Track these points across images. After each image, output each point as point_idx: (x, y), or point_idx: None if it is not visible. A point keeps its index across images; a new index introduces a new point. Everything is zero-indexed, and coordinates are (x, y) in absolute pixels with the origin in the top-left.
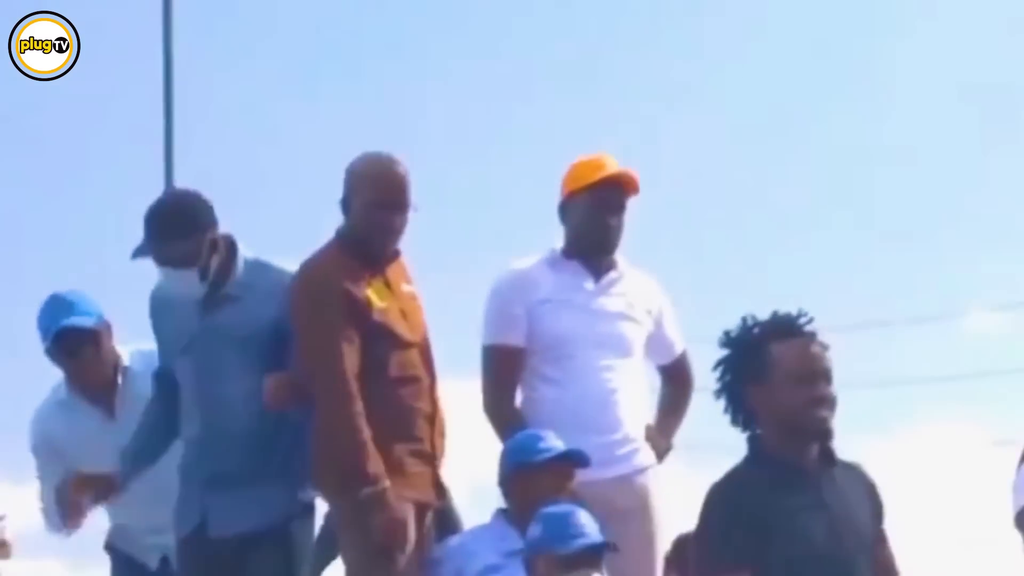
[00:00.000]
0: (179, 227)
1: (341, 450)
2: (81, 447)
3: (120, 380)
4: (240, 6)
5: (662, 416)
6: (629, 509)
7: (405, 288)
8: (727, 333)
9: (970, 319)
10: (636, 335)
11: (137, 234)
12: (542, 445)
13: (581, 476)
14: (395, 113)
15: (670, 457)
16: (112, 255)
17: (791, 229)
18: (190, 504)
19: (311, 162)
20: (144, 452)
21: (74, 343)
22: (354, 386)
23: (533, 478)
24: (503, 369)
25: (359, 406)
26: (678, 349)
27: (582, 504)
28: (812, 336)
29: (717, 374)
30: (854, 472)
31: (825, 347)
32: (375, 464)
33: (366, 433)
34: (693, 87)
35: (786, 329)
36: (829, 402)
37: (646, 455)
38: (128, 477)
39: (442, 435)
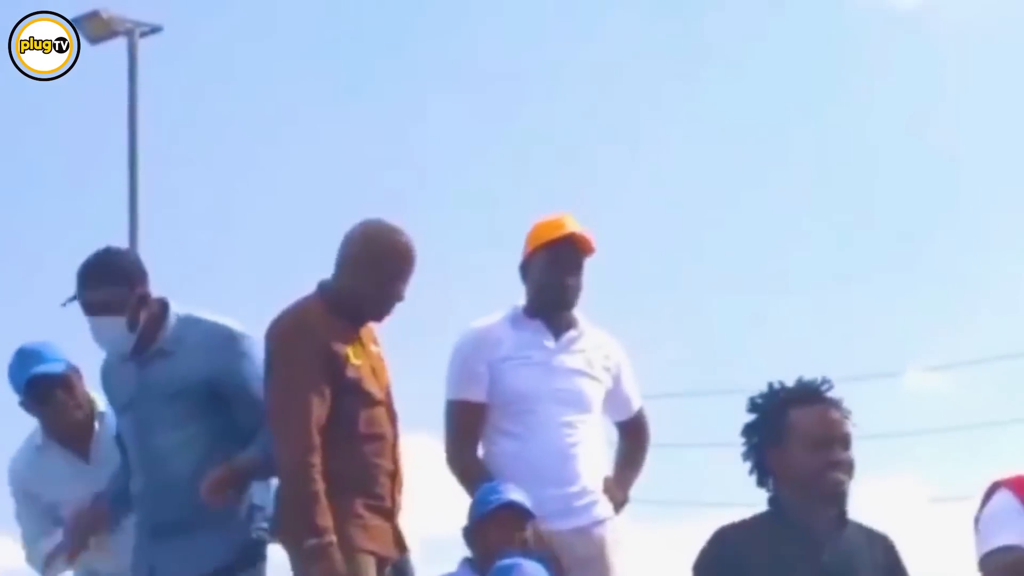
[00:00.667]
0: (105, 275)
1: (293, 498)
2: (56, 492)
3: (97, 426)
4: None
5: (619, 470)
6: (588, 558)
7: (374, 348)
8: (752, 398)
9: (908, 378)
10: (594, 392)
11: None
12: (493, 497)
13: (542, 527)
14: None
15: (626, 510)
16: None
17: (735, 292)
18: (140, 556)
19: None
20: (123, 496)
21: (44, 390)
22: (316, 439)
23: (484, 528)
24: (465, 423)
25: (317, 458)
26: (635, 405)
27: (539, 557)
28: (832, 402)
29: (743, 437)
30: (876, 540)
31: (846, 413)
32: (323, 517)
33: (319, 485)
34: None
35: (807, 395)
36: (845, 466)
37: (604, 507)
38: (114, 516)
39: (401, 491)
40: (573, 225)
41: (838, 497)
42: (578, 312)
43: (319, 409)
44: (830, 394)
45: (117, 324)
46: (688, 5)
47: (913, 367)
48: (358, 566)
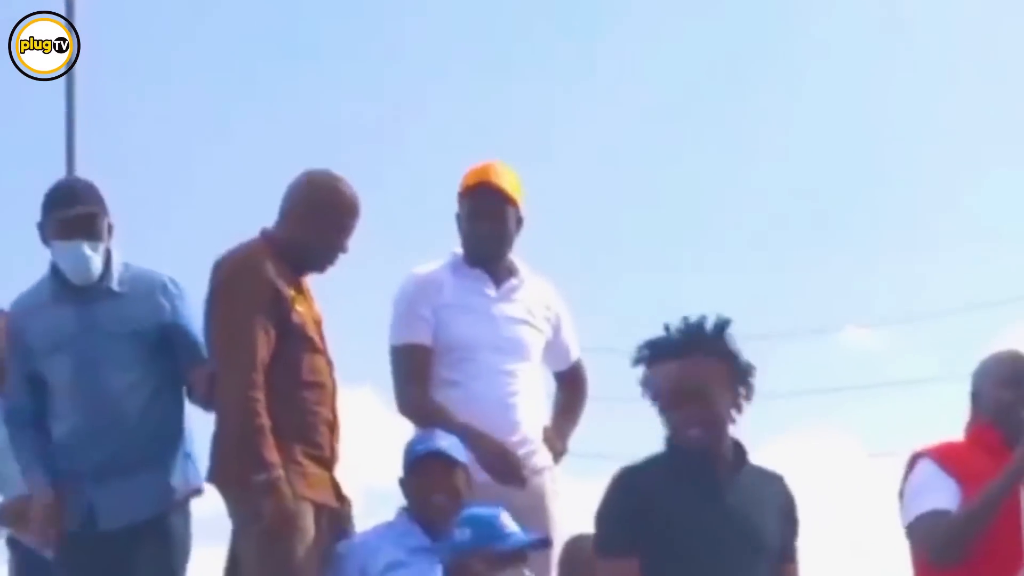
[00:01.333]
0: (92, 194)
1: (238, 434)
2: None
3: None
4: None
5: (558, 419)
6: (526, 508)
7: (313, 303)
8: (634, 352)
9: (844, 335)
10: (534, 340)
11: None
12: (419, 446)
13: (480, 475)
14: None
15: (564, 463)
16: None
17: (678, 245)
18: (75, 499)
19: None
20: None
21: None
22: (260, 376)
23: (414, 476)
24: (415, 366)
25: (261, 394)
26: (573, 356)
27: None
28: (686, 355)
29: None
30: (773, 481)
31: (699, 364)
32: (271, 452)
33: (265, 420)
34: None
35: (659, 352)
36: (698, 420)
37: (543, 457)
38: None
39: (339, 442)
40: (494, 173)
41: (701, 453)
42: (520, 261)
43: (263, 347)
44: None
45: (99, 249)
46: None
47: (849, 324)
48: (297, 508)
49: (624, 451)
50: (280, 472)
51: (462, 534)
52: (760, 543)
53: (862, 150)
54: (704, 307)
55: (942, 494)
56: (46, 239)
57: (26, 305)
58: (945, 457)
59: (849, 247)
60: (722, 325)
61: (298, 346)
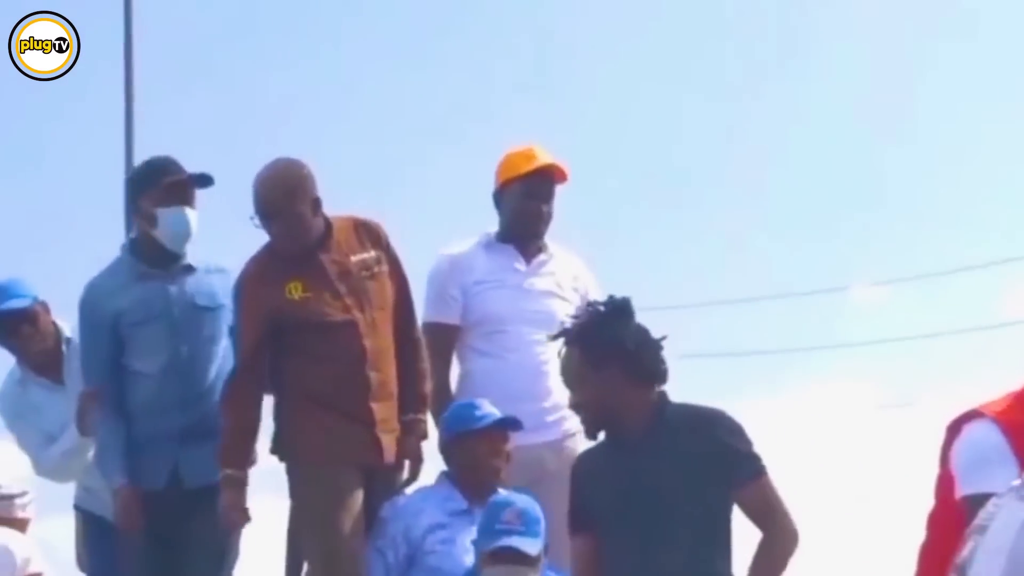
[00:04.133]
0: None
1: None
2: (43, 420)
3: (65, 350)
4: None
5: None
6: (558, 471)
7: (356, 258)
8: None
9: (854, 292)
10: (564, 312)
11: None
12: (479, 413)
13: (515, 440)
14: None
15: None
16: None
17: (694, 208)
18: (158, 457)
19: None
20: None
21: (12, 324)
22: (247, 376)
23: (472, 443)
24: (439, 344)
25: (244, 394)
26: None
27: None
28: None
29: None
30: (701, 425)
31: (564, 357)
32: (233, 453)
33: (237, 419)
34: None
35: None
36: (573, 408)
37: (573, 422)
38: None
39: (385, 399)
40: (544, 156)
41: (587, 433)
42: (548, 237)
43: (253, 350)
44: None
45: (194, 216)
46: None
47: (859, 282)
48: (335, 476)
49: None
50: (239, 473)
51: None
52: (674, 499)
53: (871, 113)
54: (721, 270)
55: (1002, 475)
56: (143, 211)
57: (107, 287)
58: (1013, 428)
59: (859, 208)
60: (587, 312)
61: (306, 330)
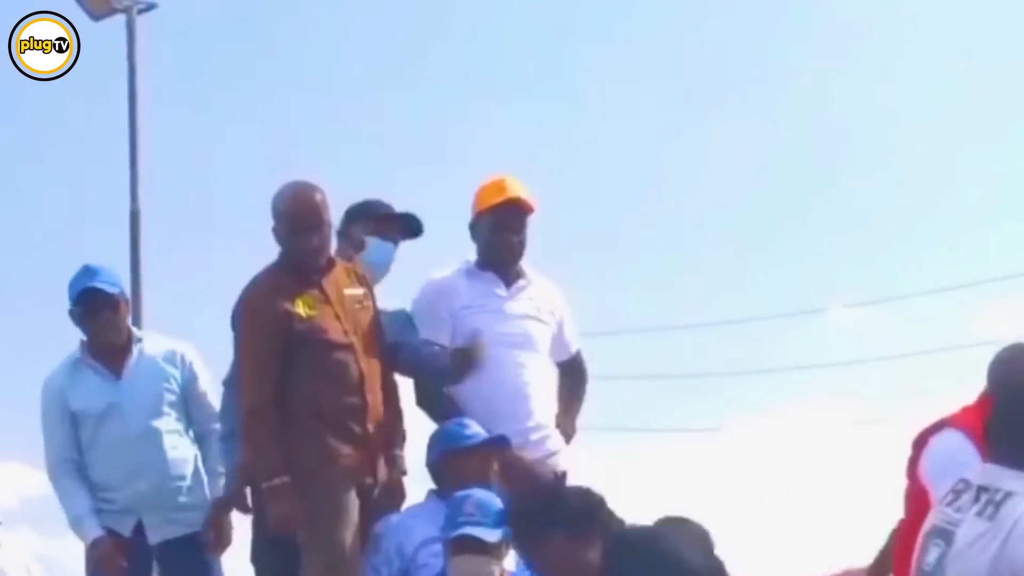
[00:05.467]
0: None
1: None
2: (84, 400)
3: (134, 350)
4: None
5: (565, 405)
6: None
7: (349, 292)
8: None
9: (830, 314)
10: (542, 334)
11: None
12: (468, 432)
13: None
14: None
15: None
16: None
17: (678, 234)
18: None
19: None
20: None
21: (94, 304)
22: (264, 394)
23: (461, 461)
24: None
25: (265, 411)
26: (574, 348)
27: (492, 489)
28: None
29: None
30: None
31: None
32: (271, 462)
33: (266, 433)
34: None
35: None
36: None
37: (556, 440)
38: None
39: (378, 421)
40: (515, 188)
41: None
42: (526, 264)
43: (266, 367)
44: None
45: None
46: None
47: (835, 304)
48: (335, 492)
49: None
50: (284, 480)
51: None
52: None
53: (847, 135)
54: (702, 293)
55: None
56: (352, 236)
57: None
58: (976, 433)
59: (835, 231)
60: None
61: (310, 348)
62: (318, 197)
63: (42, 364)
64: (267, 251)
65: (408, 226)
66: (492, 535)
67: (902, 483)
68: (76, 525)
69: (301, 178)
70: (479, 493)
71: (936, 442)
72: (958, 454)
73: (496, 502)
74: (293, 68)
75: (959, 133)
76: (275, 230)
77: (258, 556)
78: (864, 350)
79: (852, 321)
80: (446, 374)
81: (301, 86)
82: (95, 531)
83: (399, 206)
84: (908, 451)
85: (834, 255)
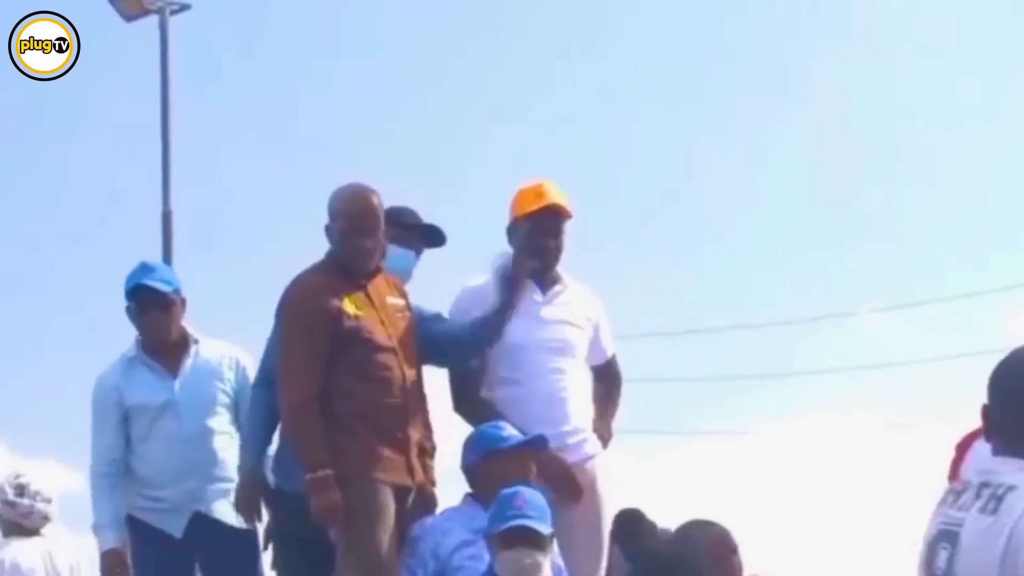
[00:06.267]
0: None
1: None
2: (138, 395)
3: (192, 350)
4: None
5: (600, 410)
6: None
7: (391, 300)
8: None
9: (860, 317)
10: (579, 339)
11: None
12: (505, 434)
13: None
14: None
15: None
16: None
17: (707, 237)
18: None
19: None
20: None
21: (147, 302)
22: (309, 387)
23: (500, 463)
24: None
25: (309, 404)
26: (609, 352)
27: (543, 486)
28: None
29: None
30: None
31: None
32: (315, 454)
33: (310, 426)
34: None
35: None
36: None
37: (593, 444)
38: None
39: (415, 426)
40: (552, 193)
41: None
42: (562, 269)
43: (313, 363)
44: None
45: None
46: None
47: (865, 307)
48: (373, 493)
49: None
50: (327, 473)
51: (490, 510)
52: None
53: (876, 140)
54: (734, 296)
55: None
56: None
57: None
58: None
59: (863, 236)
60: None
61: (356, 348)
62: (376, 200)
63: (75, 364)
64: (297, 251)
65: (431, 236)
66: (546, 528)
67: (934, 486)
68: (96, 530)
69: (358, 180)
70: (527, 490)
71: (980, 446)
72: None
73: (543, 501)
74: (327, 69)
75: (988, 138)
76: (328, 229)
77: (281, 562)
78: (894, 354)
79: (882, 325)
80: (488, 325)
81: (335, 88)
82: (109, 542)
83: (423, 210)
84: (951, 453)
85: (864, 259)
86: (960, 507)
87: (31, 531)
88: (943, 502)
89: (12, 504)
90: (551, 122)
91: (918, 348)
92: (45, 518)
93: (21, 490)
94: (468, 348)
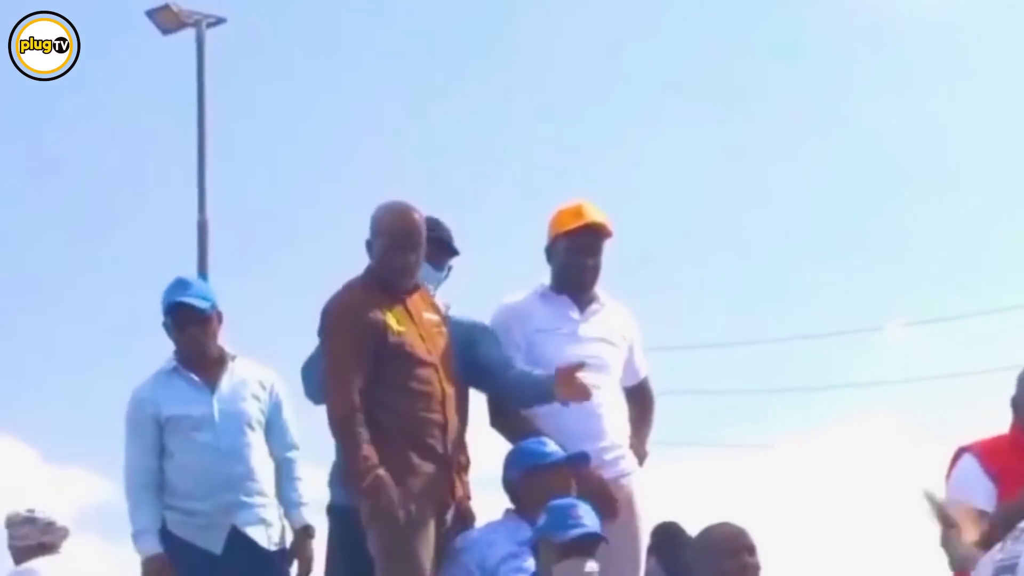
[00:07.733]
0: None
1: (342, 451)
2: (176, 406)
3: (230, 364)
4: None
5: (635, 429)
6: (619, 506)
7: (428, 316)
8: None
9: (888, 333)
10: (615, 357)
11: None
12: (547, 449)
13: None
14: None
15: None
16: None
17: (735, 251)
18: None
19: None
20: None
21: (184, 319)
22: (353, 398)
23: (543, 478)
24: None
25: (355, 415)
26: (643, 373)
27: (584, 500)
28: None
29: None
30: None
31: None
32: (362, 462)
33: (357, 436)
34: None
35: None
36: None
37: (630, 461)
38: None
39: (455, 443)
40: (592, 212)
41: None
42: (599, 288)
43: (358, 375)
44: None
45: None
46: None
47: (893, 322)
48: (416, 506)
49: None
50: (378, 472)
51: (540, 520)
52: None
53: (906, 156)
54: (760, 311)
55: (979, 495)
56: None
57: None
58: (986, 454)
59: (891, 251)
60: None
61: (399, 362)
62: (418, 218)
63: (108, 374)
64: (330, 262)
65: (449, 250)
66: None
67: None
68: (136, 538)
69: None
70: (580, 503)
71: (956, 468)
72: (967, 481)
73: (593, 511)
74: (363, 81)
75: (1017, 153)
76: (370, 244)
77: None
78: (923, 368)
79: (911, 339)
80: (548, 396)
81: (370, 100)
82: (152, 548)
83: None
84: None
85: (892, 274)
86: (1017, 539)
87: (51, 548)
88: (1001, 548)
89: (32, 520)
90: (579, 130)
91: (946, 363)
92: (64, 535)
93: (32, 513)
94: (514, 401)
